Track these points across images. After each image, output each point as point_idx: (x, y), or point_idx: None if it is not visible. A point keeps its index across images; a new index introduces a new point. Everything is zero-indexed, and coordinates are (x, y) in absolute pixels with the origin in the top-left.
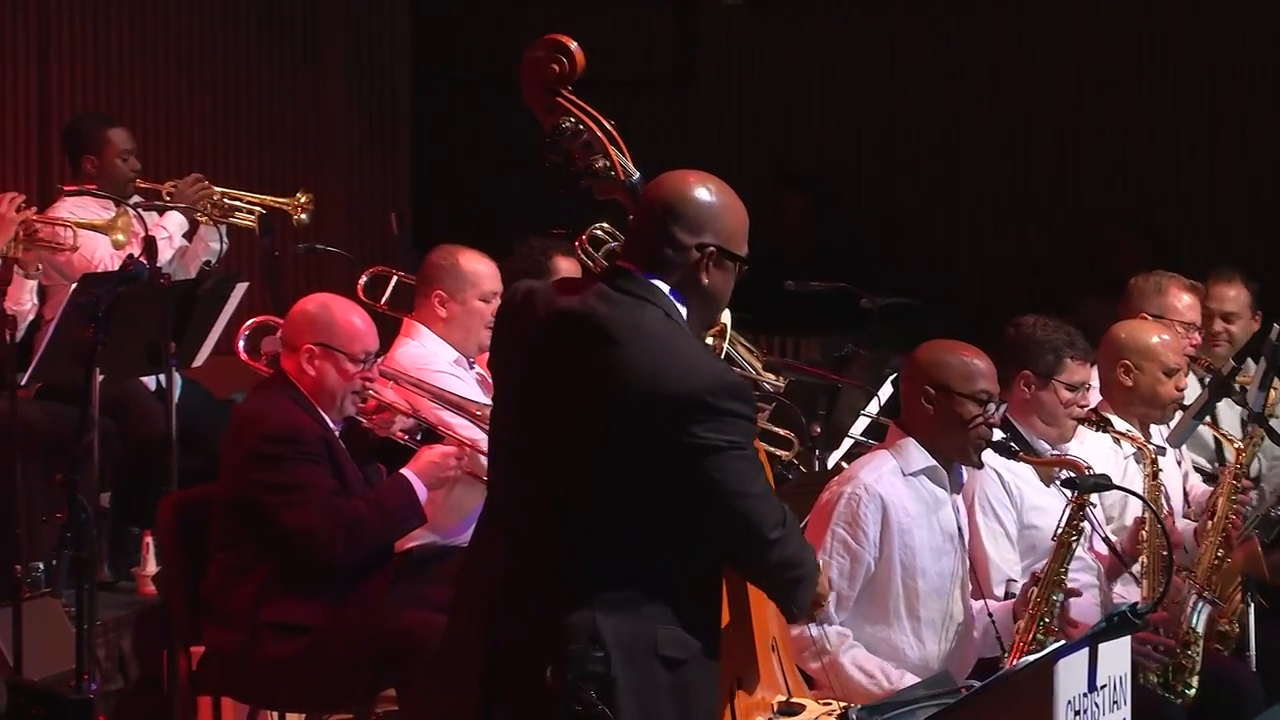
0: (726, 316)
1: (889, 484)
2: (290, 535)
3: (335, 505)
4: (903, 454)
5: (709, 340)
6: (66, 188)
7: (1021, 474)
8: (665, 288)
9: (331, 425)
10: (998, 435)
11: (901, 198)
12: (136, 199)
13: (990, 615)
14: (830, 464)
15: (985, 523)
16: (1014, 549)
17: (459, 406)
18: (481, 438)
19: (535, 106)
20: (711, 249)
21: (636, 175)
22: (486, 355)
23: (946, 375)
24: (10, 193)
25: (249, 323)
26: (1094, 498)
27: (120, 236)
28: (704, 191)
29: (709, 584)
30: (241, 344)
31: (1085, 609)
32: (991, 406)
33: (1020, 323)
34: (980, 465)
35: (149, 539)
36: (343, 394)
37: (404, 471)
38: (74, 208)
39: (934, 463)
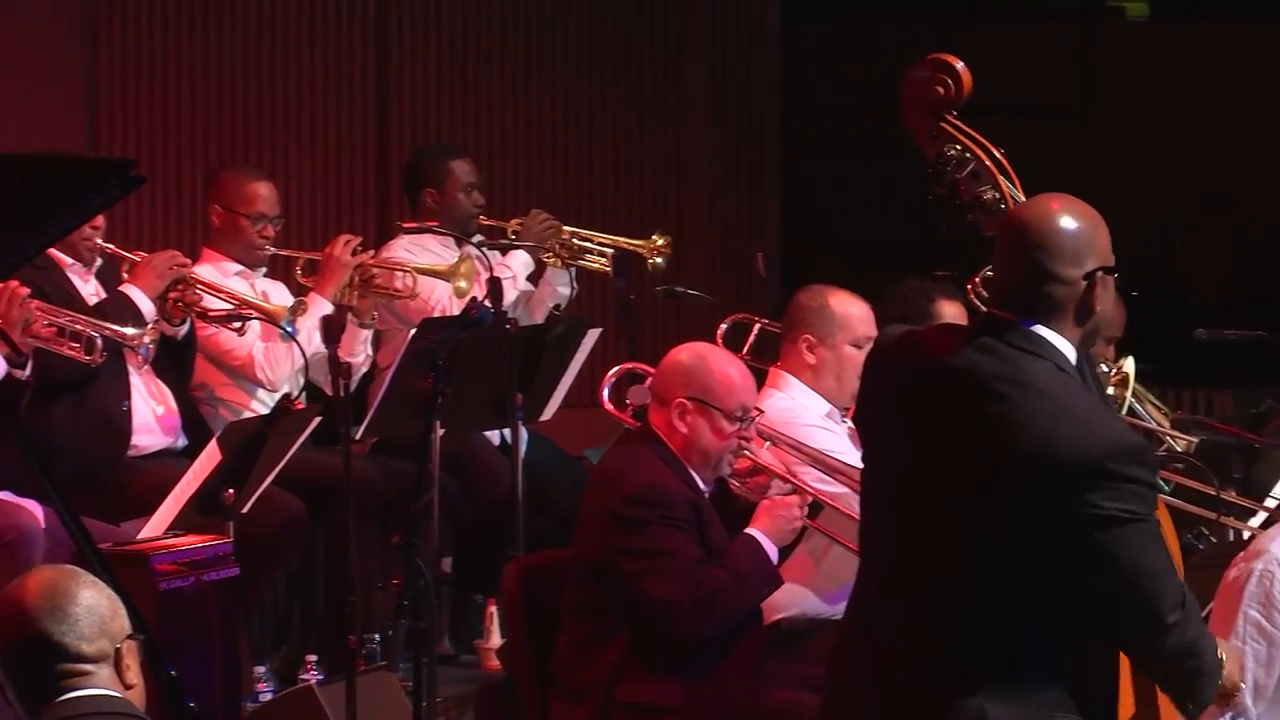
0: (1130, 365)
1: None
2: (651, 607)
3: (699, 577)
4: None
5: (1110, 390)
6: (405, 225)
7: None
8: (1050, 334)
9: (701, 486)
10: None
11: None
12: (479, 237)
13: None
14: (1246, 534)
15: None
16: None
17: (840, 472)
18: (842, 492)
19: (917, 132)
20: (1098, 273)
21: None
22: None
23: None
24: (345, 235)
25: (614, 370)
26: None
27: (463, 284)
28: (1071, 217)
29: (1107, 666)
30: (606, 393)
31: None
32: None
33: None
34: None
35: (493, 608)
36: (717, 454)
37: (751, 532)
38: (410, 246)
39: None
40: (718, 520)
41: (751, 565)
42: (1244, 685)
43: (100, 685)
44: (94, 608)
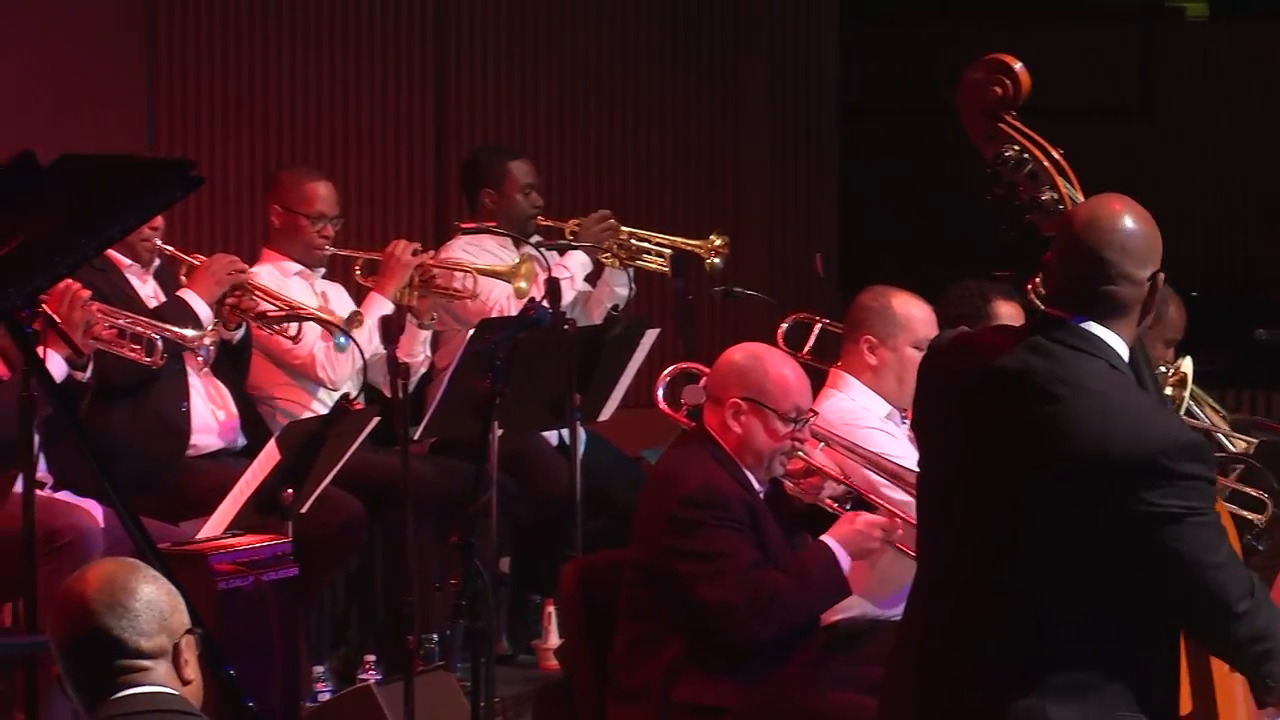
0: (1188, 365)
1: None
2: (706, 609)
3: (756, 579)
4: None
5: (1168, 390)
6: (463, 225)
7: None
8: (1103, 332)
9: (756, 486)
10: None
11: None
12: (537, 238)
13: None
14: None
15: None
16: None
17: (895, 475)
18: (903, 499)
19: (974, 133)
20: (1161, 274)
21: None
22: None
23: None
24: (403, 240)
25: (668, 370)
26: None
27: (523, 284)
28: (1137, 219)
29: (1167, 663)
30: (661, 393)
31: None
32: None
33: None
34: None
35: (551, 608)
36: (770, 454)
37: (826, 539)
38: (468, 247)
39: None
40: (773, 521)
41: (820, 573)
42: None
43: (158, 681)
44: (153, 603)
